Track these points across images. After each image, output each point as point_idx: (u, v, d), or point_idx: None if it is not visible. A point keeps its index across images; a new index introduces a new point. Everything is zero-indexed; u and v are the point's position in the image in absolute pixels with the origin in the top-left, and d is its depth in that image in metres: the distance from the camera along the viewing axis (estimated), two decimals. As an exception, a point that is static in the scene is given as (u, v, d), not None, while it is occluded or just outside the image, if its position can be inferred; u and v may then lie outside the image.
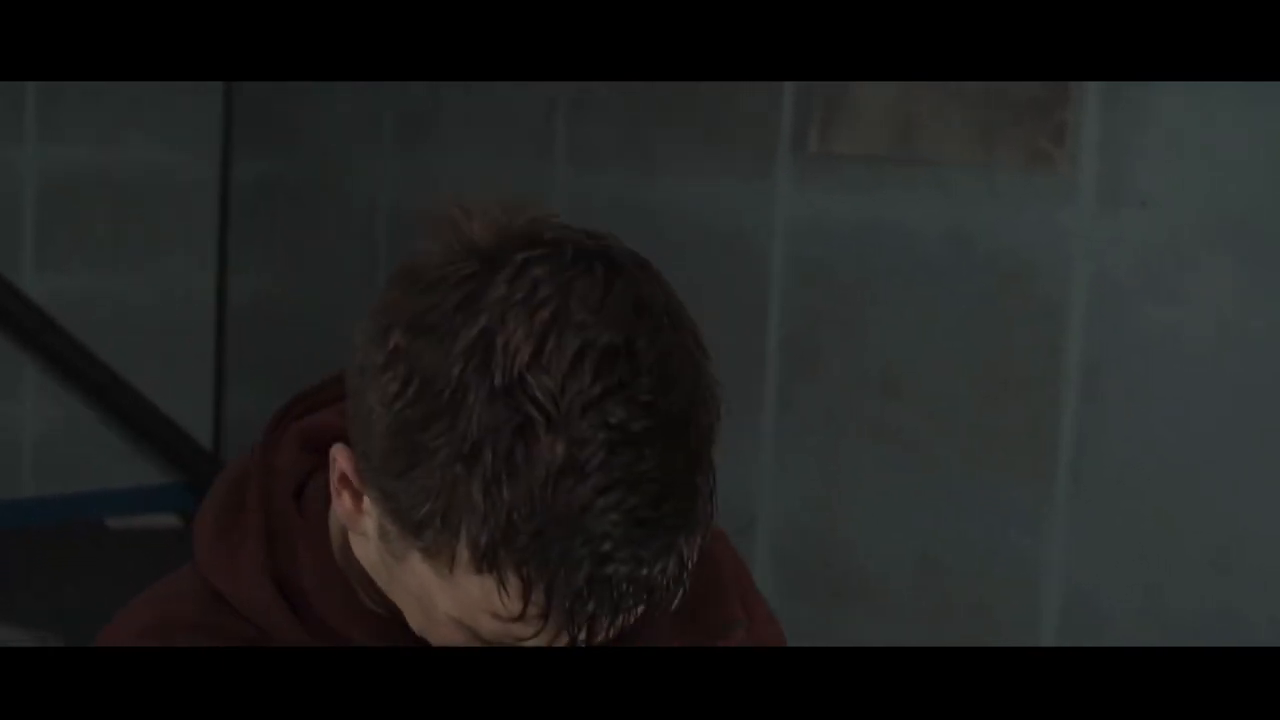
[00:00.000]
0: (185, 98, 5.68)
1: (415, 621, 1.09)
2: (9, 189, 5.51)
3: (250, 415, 6.00)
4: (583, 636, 1.02)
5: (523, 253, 1.01)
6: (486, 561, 0.99)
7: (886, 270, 3.86)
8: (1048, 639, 3.58)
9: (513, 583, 0.99)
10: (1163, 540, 3.38)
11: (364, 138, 5.36)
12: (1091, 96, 3.45)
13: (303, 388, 1.24)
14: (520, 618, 1.01)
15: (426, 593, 1.05)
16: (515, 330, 0.98)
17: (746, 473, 4.16)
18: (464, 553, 0.99)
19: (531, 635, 1.02)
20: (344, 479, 1.07)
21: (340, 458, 1.06)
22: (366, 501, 1.06)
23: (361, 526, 1.08)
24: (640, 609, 1.03)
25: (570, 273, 1.01)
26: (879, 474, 3.89)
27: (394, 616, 1.11)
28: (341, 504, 1.08)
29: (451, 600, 1.03)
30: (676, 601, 1.05)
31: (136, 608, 1.20)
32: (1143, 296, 3.41)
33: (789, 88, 4.00)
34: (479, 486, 0.97)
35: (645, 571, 1.00)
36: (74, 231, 5.63)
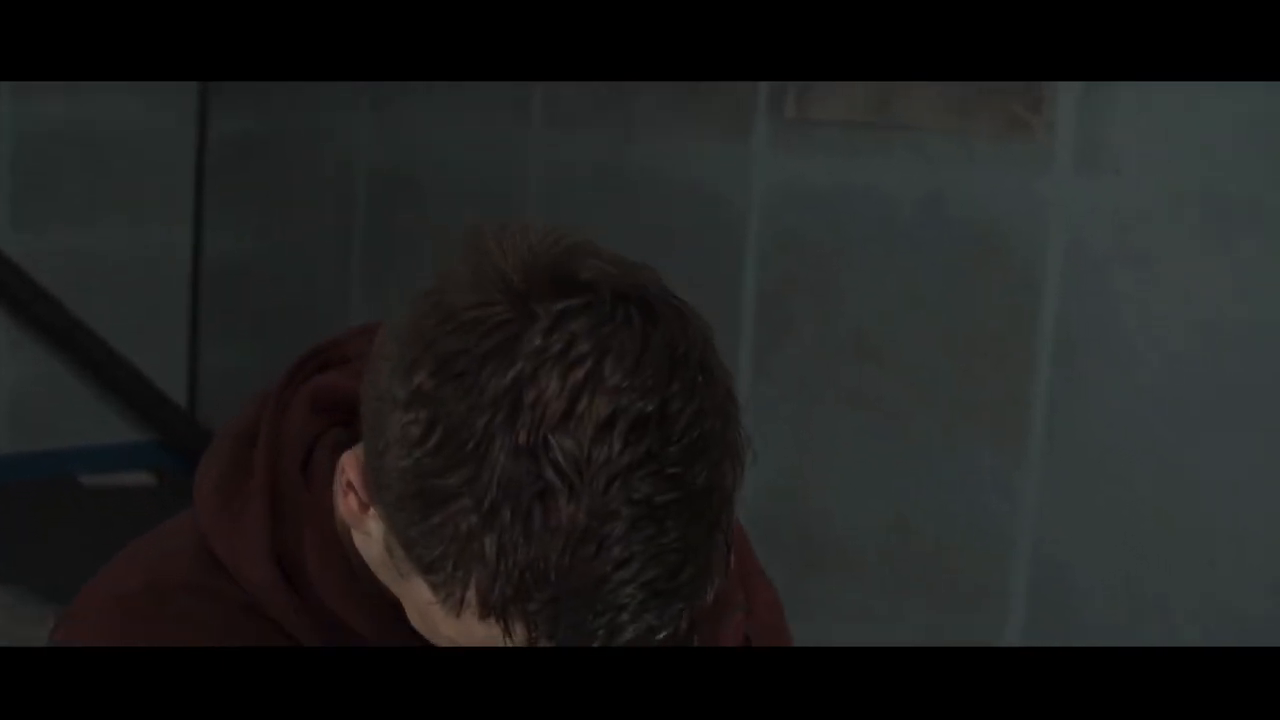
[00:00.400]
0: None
1: (415, 622, 1.08)
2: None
3: (226, 373, 5.99)
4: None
5: (560, 301, 0.98)
6: (495, 613, 0.98)
7: (862, 236, 3.87)
8: (1018, 605, 3.60)
9: (519, 633, 0.98)
10: (1135, 507, 3.40)
11: (341, 97, 5.34)
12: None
13: (320, 341, 1.22)
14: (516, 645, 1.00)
15: (429, 613, 1.04)
16: (547, 387, 0.95)
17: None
18: (472, 599, 0.98)
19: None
20: (351, 487, 1.05)
21: (350, 470, 1.05)
22: (373, 512, 1.04)
23: (366, 528, 1.06)
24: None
25: (607, 328, 0.98)
26: (853, 440, 3.91)
27: (394, 602, 1.10)
28: (347, 505, 1.07)
29: (454, 630, 1.02)
30: None
31: (127, 563, 1.19)
32: (1118, 264, 3.42)
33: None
34: (493, 543, 0.96)
35: (656, 636, 1.00)
36: (50, 189, 5.61)
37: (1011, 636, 3.61)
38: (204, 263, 5.95)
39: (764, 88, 4.02)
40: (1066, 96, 3.45)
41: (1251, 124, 3.19)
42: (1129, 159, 3.39)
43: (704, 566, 1.00)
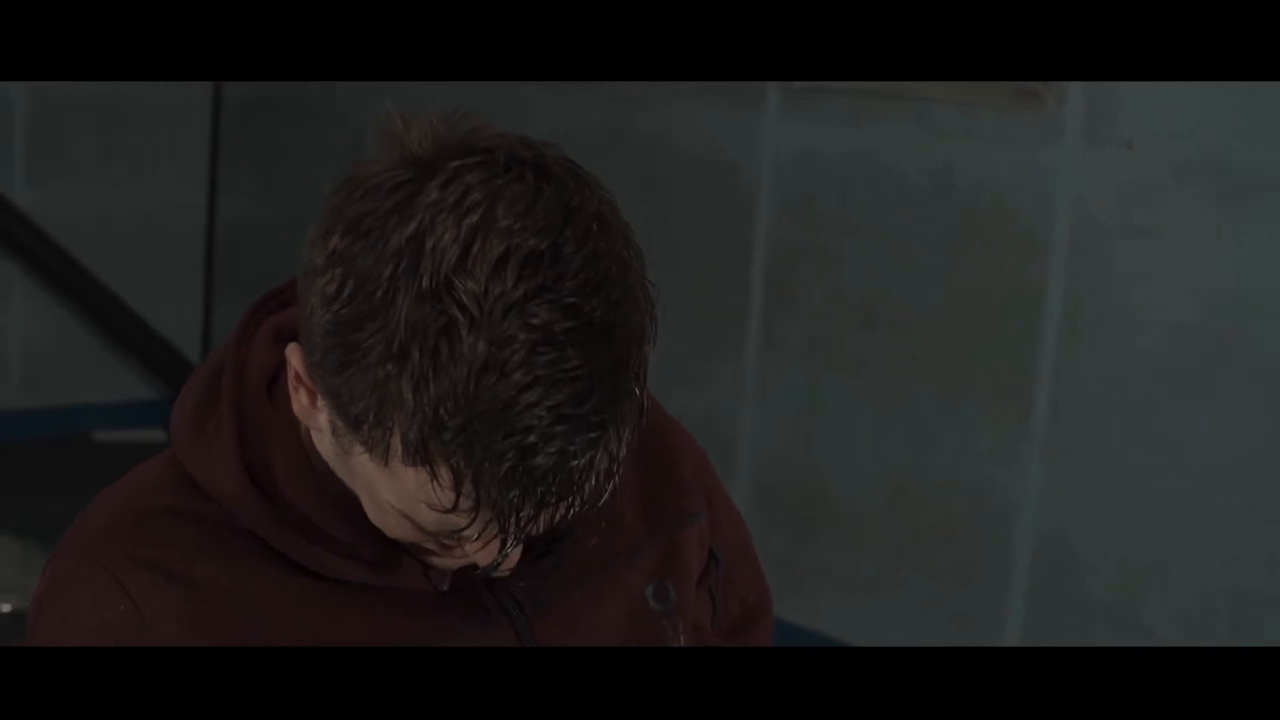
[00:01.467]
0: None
1: (370, 512, 1.13)
2: (0, 104, 5.50)
3: (238, 333, 6.00)
4: (514, 528, 1.06)
5: (457, 160, 1.05)
6: (418, 455, 1.03)
7: (871, 205, 3.88)
8: (1020, 573, 3.62)
9: (443, 474, 1.04)
10: (1137, 477, 3.42)
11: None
12: (1079, 37, 3.45)
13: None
14: (454, 509, 1.05)
15: (372, 484, 1.09)
16: (444, 234, 1.02)
17: (729, 402, 4.19)
18: (397, 446, 1.04)
19: (466, 526, 1.06)
20: (298, 377, 1.11)
21: (293, 356, 1.11)
22: (319, 399, 1.10)
23: (317, 422, 1.12)
24: (572, 503, 1.06)
25: (501, 180, 1.04)
26: (859, 406, 3.92)
27: (357, 503, 1.15)
28: (298, 401, 1.13)
29: (393, 493, 1.08)
30: (606, 497, 1.09)
31: (111, 495, 1.23)
32: (1125, 235, 3.43)
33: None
34: (408, 384, 1.02)
35: (572, 464, 1.04)
36: (65, 147, 5.61)
37: (1013, 605, 3.63)
38: (219, 220, 5.96)
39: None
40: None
41: (1260, 95, 3.20)
42: (1138, 130, 3.39)
43: (610, 396, 1.05)
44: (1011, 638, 3.63)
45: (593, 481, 1.06)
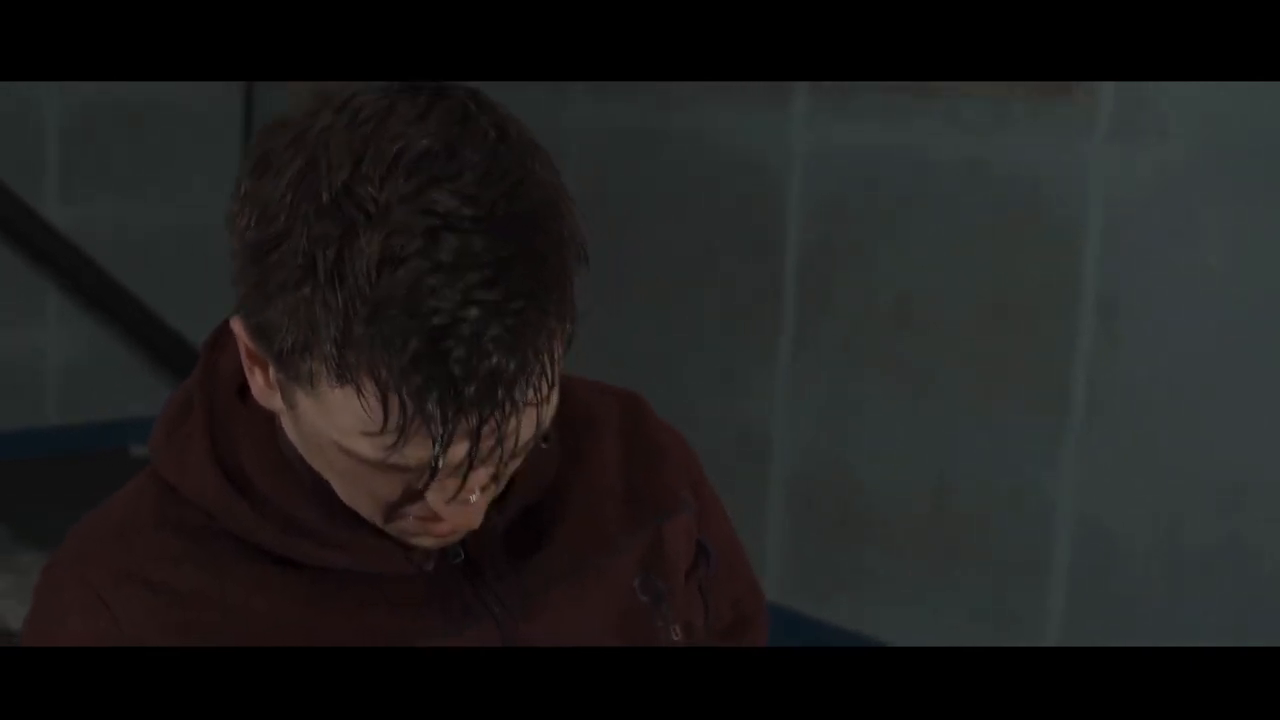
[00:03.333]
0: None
1: (341, 492, 1.12)
2: (33, 119, 5.52)
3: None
4: (443, 433, 1.02)
5: (355, 92, 1.06)
6: (341, 370, 1.02)
7: (903, 201, 3.85)
8: (1060, 573, 3.58)
9: (366, 384, 1.01)
10: (1177, 474, 3.38)
11: (385, 67, 5.35)
12: (1109, 27, 3.42)
13: None
14: (385, 427, 1.02)
15: (318, 434, 1.08)
16: (339, 148, 1.02)
17: (763, 403, 4.16)
18: (321, 369, 1.03)
19: (400, 445, 1.03)
20: (249, 353, 1.10)
21: (236, 326, 1.10)
22: (271, 373, 1.09)
23: (275, 402, 1.11)
24: (505, 408, 1.03)
25: (394, 98, 1.04)
26: (894, 405, 3.89)
27: (330, 491, 1.15)
28: (255, 383, 1.12)
29: (335, 430, 1.06)
30: (549, 409, 1.06)
31: (94, 514, 1.23)
32: (1159, 228, 3.39)
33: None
34: (318, 298, 1.01)
35: (493, 358, 1.01)
36: (98, 162, 5.63)
37: (1055, 603, 3.59)
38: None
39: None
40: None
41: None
42: (1171, 120, 3.35)
43: (526, 285, 1.02)
44: (1052, 637, 3.59)
45: (522, 383, 1.03)
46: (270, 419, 1.18)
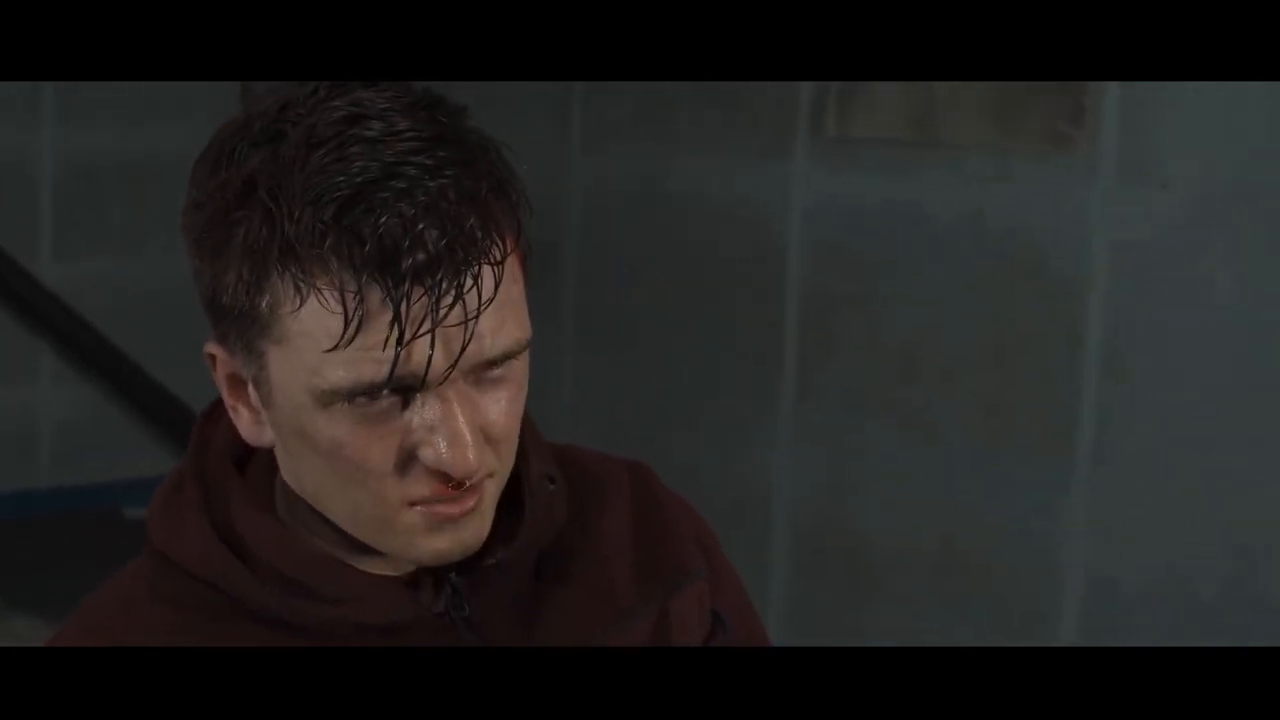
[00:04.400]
0: (202, 82, 5.67)
1: (337, 496, 1.12)
2: (26, 175, 5.50)
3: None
4: (396, 293, 1.03)
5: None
6: (294, 274, 1.03)
7: (905, 253, 3.84)
8: (1069, 625, 3.56)
9: (321, 279, 1.03)
10: (1186, 524, 3.36)
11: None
12: (1111, 76, 3.42)
13: None
14: (347, 316, 1.03)
15: (298, 407, 1.08)
16: (262, 109, 1.07)
17: (765, 455, 4.15)
18: (279, 292, 1.04)
19: (367, 328, 1.04)
20: (229, 380, 1.13)
21: (209, 348, 1.14)
22: (251, 392, 1.11)
23: (265, 434, 1.12)
24: (458, 260, 1.03)
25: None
26: (897, 457, 3.88)
27: (336, 559, 1.15)
28: (241, 422, 1.14)
29: (308, 370, 1.06)
30: (512, 284, 1.08)
31: (94, 593, 1.23)
32: (1163, 278, 3.39)
33: (806, 70, 3.98)
34: (259, 214, 1.03)
35: (402, 207, 1.02)
36: (92, 218, 5.61)
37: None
38: (245, 292, 5.95)
39: (804, 105, 4.00)
40: (1109, 109, 3.43)
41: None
42: (1173, 170, 3.36)
43: (454, 151, 1.04)
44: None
45: (466, 234, 1.04)
46: (267, 487, 1.19)
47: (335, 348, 1.04)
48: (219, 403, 1.22)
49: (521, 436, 1.19)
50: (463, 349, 1.06)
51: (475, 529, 1.13)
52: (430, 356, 1.05)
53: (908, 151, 3.80)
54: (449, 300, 1.03)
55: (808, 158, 4.03)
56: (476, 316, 1.05)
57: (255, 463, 1.22)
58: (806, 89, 3.99)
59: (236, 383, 1.14)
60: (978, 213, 3.68)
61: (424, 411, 1.08)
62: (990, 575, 3.70)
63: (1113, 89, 3.41)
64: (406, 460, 1.09)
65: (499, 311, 1.07)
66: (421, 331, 1.03)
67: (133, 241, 5.71)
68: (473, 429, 1.09)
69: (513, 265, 1.09)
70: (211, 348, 1.14)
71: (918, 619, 3.84)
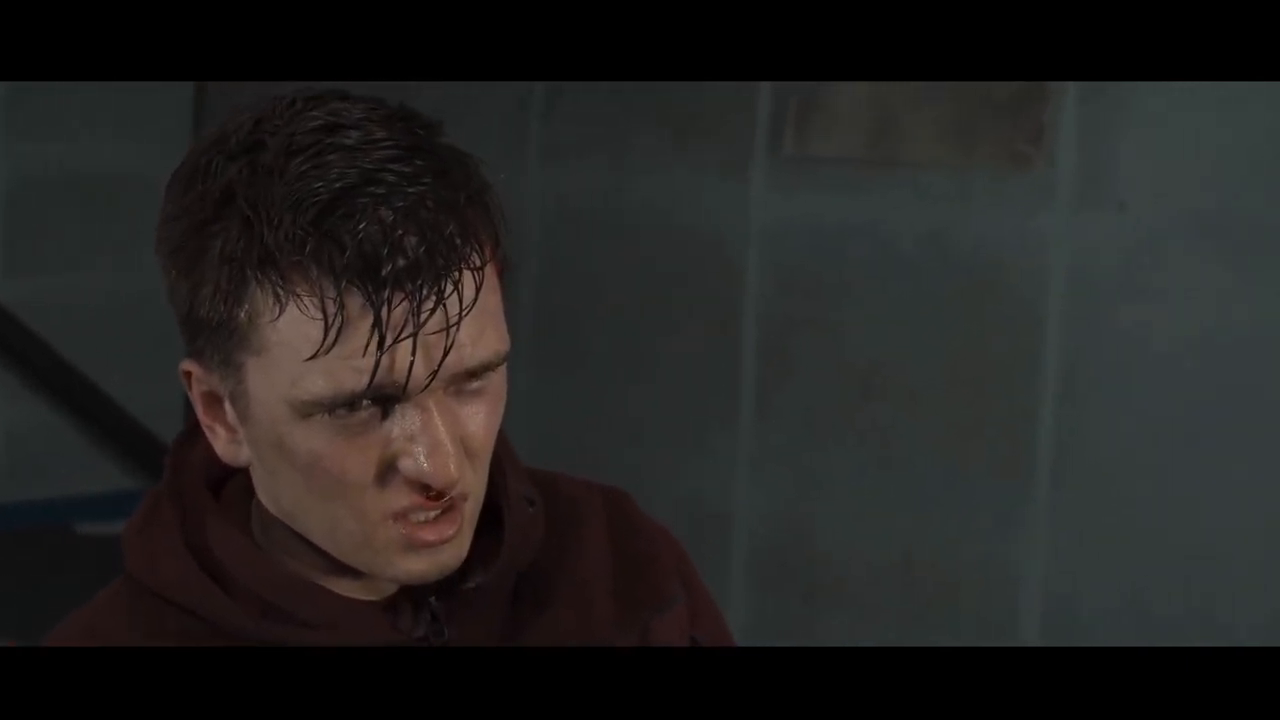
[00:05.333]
0: (154, 95, 5.64)
1: (316, 514, 1.11)
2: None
3: (221, 419, 5.95)
4: (377, 298, 1.02)
5: None
6: (274, 283, 1.03)
7: (863, 273, 3.84)
8: (1028, 642, 3.56)
9: (300, 286, 1.02)
10: (1144, 542, 3.37)
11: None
12: (1070, 96, 3.43)
13: None
14: (327, 323, 1.02)
15: (276, 420, 1.07)
16: (237, 124, 1.08)
17: (723, 475, 4.14)
18: (258, 302, 1.04)
19: (345, 335, 1.03)
20: (204, 398, 1.12)
21: (185, 365, 1.13)
22: (228, 409, 1.10)
23: (242, 452, 1.12)
24: (439, 266, 1.03)
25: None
26: (856, 477, 3.87)
27: (314, 584, 1.14)
28: (218, 442, 1.13)
29: (288, 381, 1.05)
30: (490, 291, 1.09)
31: (67, 622, 1.20)
32: (1121, 298, 3.40)
33: (765, 89, 3.98)
34: (238, 224, 1.03)
35: (413, 215, 1.03)
36: (42, 233, 5.57)
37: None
38: (199, 308, 5.92)
39: (762, 123, 4.00)
40: (1067, 128, 3.44)
41: (1257, 152, 3.17)
42: (1132, 191, 3.37)
43: (431, 159, 1.06)
44: (1021, 710, 3.57)
45: (445, 239, 1.04)
46: (243, 511, 1.17)
47: (315, 355, 1.03)
48: (195, 425, 1.20)
49: (499, 457, 1.18)
50: (444, 356, 1.05)
51: (453, 551, 1.13)
52: (412, 364, 1.04)
53: (866, 170, 3.80)
54: (430, 305, 1.02)
55: (765, 176, 4.03)
56: (458, 323, 1.05)
57: (231, 487, 1.21)
58: (765, 106, 3.99)
59: (212, 400, 1.13)
60: (937, 233, 3.68)
61: (404, 422, 1.07)
62: (950, 594, 3.70)
63: (1071, 108, 3.42)
64: (386, 472, 1.09)
65: (478, 321, 1.07)
66: (403, 335, 1.03)
67: (86, 256, 5.68)
68: (453, 439, 1.08)
69: (491, 275, 1.09)
70: (187, 365, 1.12)
71: (876, 636, 3.84)
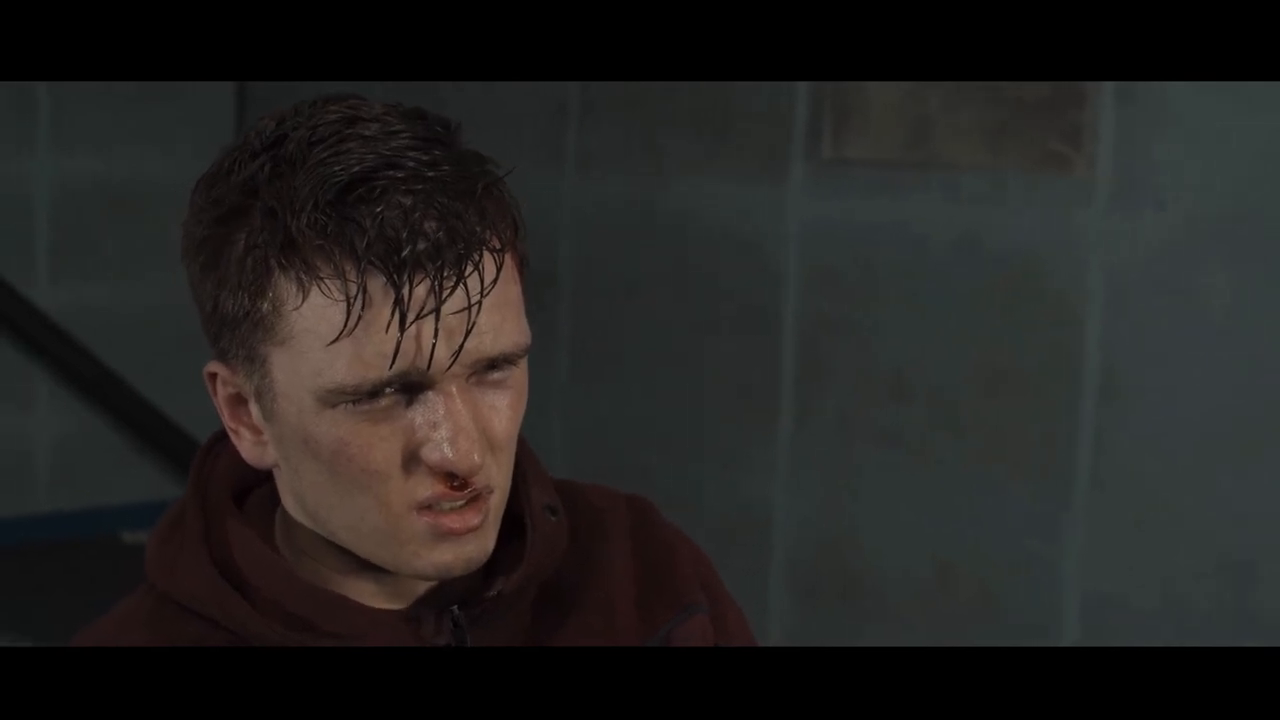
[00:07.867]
0: (197, 108, 5.67)
1: (341, 508, 1.11)
2: (22, 200, 5.51)
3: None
4: (398, 277, 1.04)
5: None
6: (295, 261, 1.04)
7: (901, 275, 3.84)
8: (1066, 645, 3.55)
9: (324, 269, 1.04)
10: (1182, 544, 3.36)
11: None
12: (1106, 97, 3.43)
13: None
14: (350, 305, 1.04)
15: (294, 397, 1.08)
16: (258, 128, 1.09)
17: (762, 478, 4.14)
18: (281, 282, 1.05)
19: (359, 322, 1.04)
20: (229, 400, 1.13)
21: (211, 367, 1.14)
22: (253, 408, 1.11)
23: (268, 454, 1.12)
24: (459, 249, 1.05)
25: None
26: (894, 479, 3.87)
27: (338, 594, 1.15)
28: (244, 445, 1.13)
29: (312, 369, 1.07)
30: (510, 272, 1.09)
31: (87, 631, 1.21)
32: (1159, 298, 3.38)
33: (802, 92, 3.99)
34: (261, 214, 1.05)
35: (433, 199, 1.04)
36: (87, 242, 5.62)
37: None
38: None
39: (800, 127, 4.01)
40: (1104, 130, 3.43)
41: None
42: (1169, 191, 3.36)
43: (448, 151, 1.07)
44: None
45: (464, 221, 1.05)
46: (266, 520, 1.17)
47: (338, 338, 1.04)
48: (219, 436, 1.21)
49: (523, 466, 1.18)
50: (465, 337, 1.07)
51: (479, 544, 1.13)
52: (434, 345, 1.05)
53: (903, 173, 3.80)
54: (450, 284, 1.04)
55: (803, 180, 4.04)
56: (479, 303, 1.06)
57: (254, 498, 1.21)
58: (802, 110, 3.99)
59: (237, 402, 1.13)
60: (973, 234, 3.68)
61: (426, 410, 1.08)
62: (988, 597, 3.69)
63: (1108, 109, 3.42)
64: (410, 461, 1.09)
65: (499, 310, 1.08)
66: (424, 312, 1.04)
67: (129, 266, 5.72)
68: (476, 427, 1.09)
69: (510, 266, 1.10)
70: (212, 367, 1.13)
71: (913, 640, 3.83)
